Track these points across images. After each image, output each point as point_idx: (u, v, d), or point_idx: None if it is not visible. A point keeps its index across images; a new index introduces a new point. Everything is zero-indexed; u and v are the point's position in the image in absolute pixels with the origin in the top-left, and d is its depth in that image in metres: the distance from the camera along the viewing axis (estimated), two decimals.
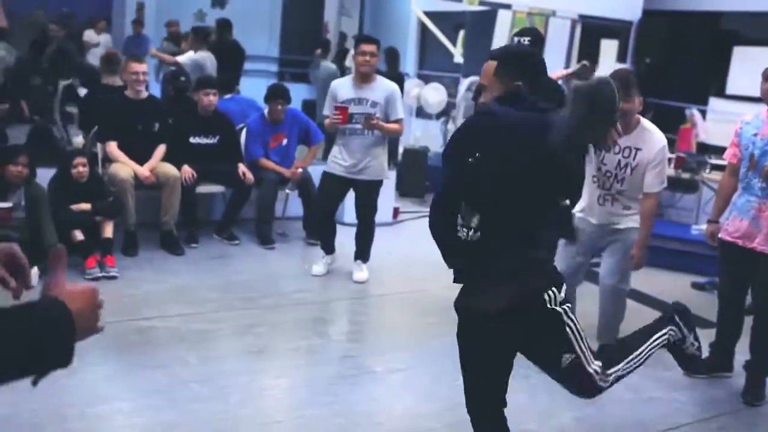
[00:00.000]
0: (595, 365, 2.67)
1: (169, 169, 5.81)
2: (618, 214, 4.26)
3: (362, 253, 5.61)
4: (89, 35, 11.10)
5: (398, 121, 5.41)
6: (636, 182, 4.17)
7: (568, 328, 2.57)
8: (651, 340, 2.98)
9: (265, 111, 6.35)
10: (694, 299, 5.78)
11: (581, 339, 2.61)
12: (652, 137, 4.13)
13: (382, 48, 9.76)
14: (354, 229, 5.66)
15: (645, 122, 4.18)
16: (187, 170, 5.86)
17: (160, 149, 5.87)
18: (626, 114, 4.03)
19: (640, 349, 2.89)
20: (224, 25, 8.82)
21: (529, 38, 4.81)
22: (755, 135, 4.00)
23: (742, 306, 4.29)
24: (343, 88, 5.36)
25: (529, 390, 4.02)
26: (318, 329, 4.72)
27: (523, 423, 3.66)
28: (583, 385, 2.73)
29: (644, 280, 5.67)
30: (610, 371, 2.72)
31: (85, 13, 11.57)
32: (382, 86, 5.38)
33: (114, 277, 5.09)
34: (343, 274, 5.69)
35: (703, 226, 6.34)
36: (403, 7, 9.91)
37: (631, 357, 2.85)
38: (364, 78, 5.30)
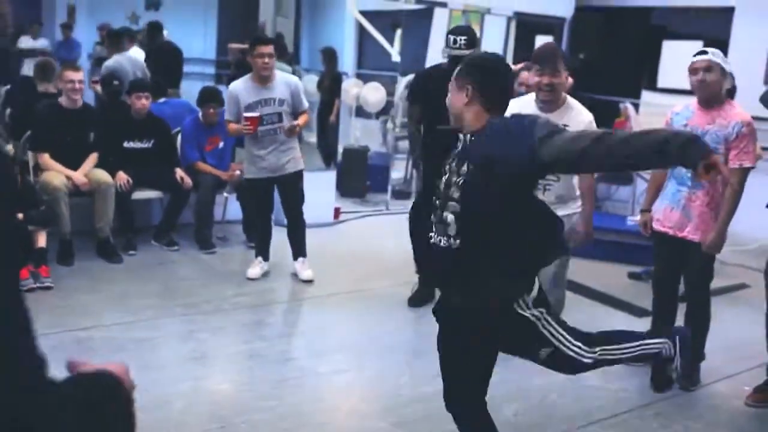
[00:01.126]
0: (575, 346, 2.70)
1: (101, 175, 5.70)
2: (548, 203, 4.27)
3: (300, 249, 5.62)
4: (25, 41, 10.79)
5: (305, 111, 5.48)
6: None
7: (542, 328, 2.62)
8: (647, 341, 3.00)
9: (200, 114, 6.28)
10: (631, 289, 5.93)
11: (557, 332, 2.66)
12: (578, 114, 4.13)
13: (320, 48, 9.79)
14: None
15: (571, 100, 4.18)
16: (122, 177, 5.75)
17: (92, 157, 5.74)
18: (554, 87, 4.06)
19: (635, 343, 2.92)
20: (154, 27, 8.68)
21: (465, 38, 4.85)
22: (685, 126, 4.08)
23: (675, 294, 4.39)
24: (244, 91, 5.28)
25: None
26: (260, 332, 4.69)
27: None
28: (565, 367, 2.85)
29: (582, 271, 5.77)
30: (596, 348, 2.76)
31: (16, 18, 11.29)
32: (284, 81, 5.37)
33: (49, 288, 4.97)
34: (284, 276, 5.66)
35: (638, 217, 6.51)
36: (339, 6, 9.89)
37: (623, 345, 2.89)
38: (265, 79, 5.27)
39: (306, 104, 5.51)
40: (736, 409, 4.04)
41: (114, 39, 7.95)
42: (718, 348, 4.52)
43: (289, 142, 5.37)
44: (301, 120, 5.42)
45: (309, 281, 5.52)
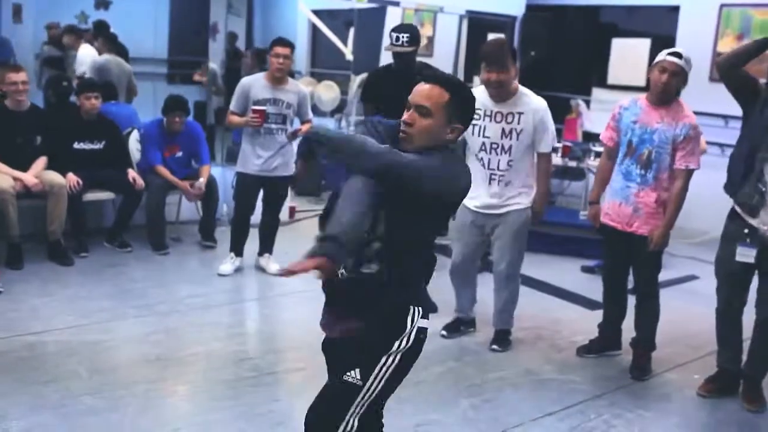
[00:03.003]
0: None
1: (54, 176, 5.60)
2: (500, 195, 4.31)
3: (269, 246, 5.72)
4: None
5: (309, 121, 5.54)
6: (522, 150, 4.23)
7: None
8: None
9: (164, 121, 6.17)
10: (585, 282, 6.02)
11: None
12: (532, 101, 4.23)
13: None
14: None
15: (523, 89, 4.26)
16: (72, 178, 5.65)
17: (41, 160, 5.63)
18: (503, 84, 4.12)
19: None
20: (101, 26, 8.55)
21: (407, 35, 4.88)
22: (634, 123, 4.16)
23: (625, 286, 4.48)
24: (257, 87, 5.34)
25: (428, 380, 4.09)
26: (215, 333, 4.65)
27: (426, 412, 3.73)
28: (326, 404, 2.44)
29: (537, 265, 5.85)
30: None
31: None
32: (294, 89, 5.50)
33: None
34: (239, 277, 5.63)
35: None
36: (292, 5, 9.86)
37: None
38: (278, 80, 5.35)
39: (311, 115, 5.62)
40: (687, 397, 4.13)
41: (108, 37, 7.87)
42: (669, 338, 4.62)
43: (285, 146, 5.42)
44: (304, 128, 5.44)
45: (277, 275, 5.49)
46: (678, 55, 4.03)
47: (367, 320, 2.37)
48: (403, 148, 2.33)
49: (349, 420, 2.39)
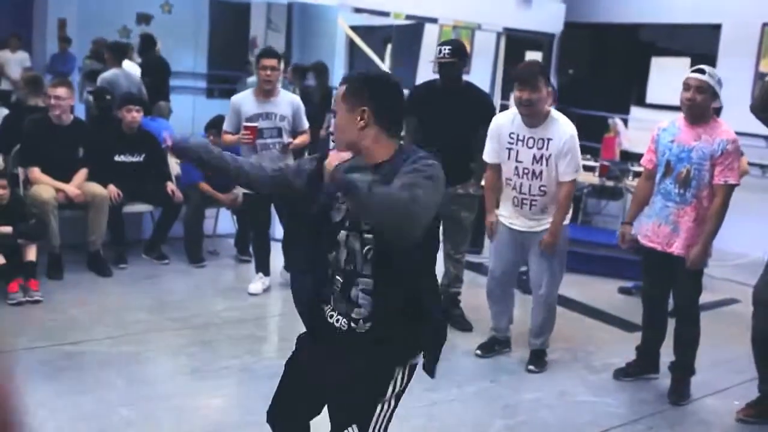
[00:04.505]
0: None
1: (96, 188, 5.69)
2: (534, 218, 4.31)
3: None
4: (3, 56, 10.74)
5: (305, 131, 5.50)
6: (554, 175, 4.22)
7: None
8: None
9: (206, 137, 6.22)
10: (622, 303, 5.95)
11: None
12: (560, 127, 4.21)
13: (311, 62, 9.81)
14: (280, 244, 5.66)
15: (554, 113, 4.26)
16: (113, 190, 5.74)
17: (83, 172, 5.73)
18: (533, 103, 4.11)
19: None
20: (148, 40, 8.67)
21: (449, 47, 4.89)
22: (671, 142, 4.12)
23: (665, 309, 4.41)
24: (246, 103, 5.30)
25: (462, 399, 4.06)
26: (250, 347, 4.67)
27: None
28: None
29: (573, 285, 5.79)
30: None
31: (4, 30, 11.24)
32: (287, 99, 5.42)
33: (38, 301, 4.94)
34: (274, 290, 5.65)
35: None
36: (330, 21, 9.93)
37: None
38: (268, 92, 5.29)
39: (306, 124, 5.52)
40: (727, 423, 4.05)
41: (116, 52, 7.93)
42: (708, 362, 4.54)
43: (286, 158, 5.33)
44: (299, 139, 5.43)
45: None
46: (701, 71, 4.01)
47: (357, 367, 2.29)
48: (339, 149, 2.30)
49: None
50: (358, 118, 2.25)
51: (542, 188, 4.24)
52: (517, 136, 4.23)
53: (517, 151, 4.24)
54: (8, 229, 5.02)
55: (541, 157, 4.19)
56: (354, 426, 2.29)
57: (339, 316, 2.34)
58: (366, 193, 1.99)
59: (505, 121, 4.35)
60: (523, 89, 4.11)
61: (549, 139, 4.18)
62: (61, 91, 5.63)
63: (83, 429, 3.44)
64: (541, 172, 4.21)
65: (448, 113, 4.85)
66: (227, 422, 3.73)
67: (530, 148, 4.21)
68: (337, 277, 2.33)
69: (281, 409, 2.57)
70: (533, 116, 4.17)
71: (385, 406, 2.31)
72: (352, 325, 2.30)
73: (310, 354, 2.47)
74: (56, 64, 10.64)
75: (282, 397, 2.57)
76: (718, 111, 4.65)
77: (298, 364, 2.53)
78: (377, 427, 2.31)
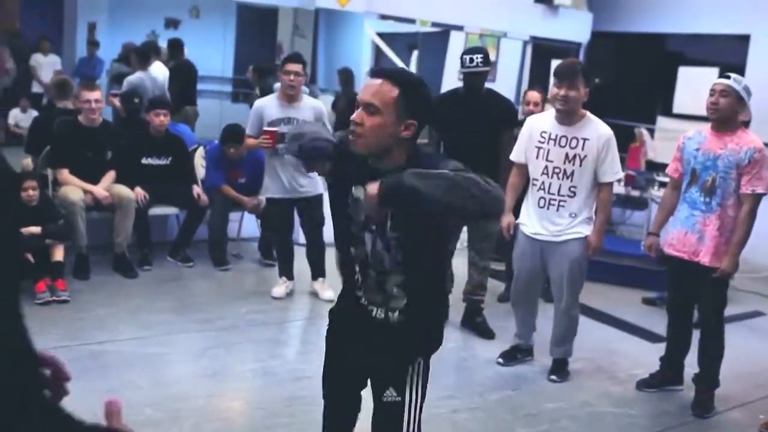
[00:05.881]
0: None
1: (123, 190, 5.75)
2: (560, 222, 4.26)
3: (319, 269, 5.61)
4: (36, 59, 10.89)
5: None
6: (585, 176, 4.18)
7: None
8: None
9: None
10: (646, 314, 5.91)
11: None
12: (598, 127, 4.18)
13: (337, 69, 9.86)
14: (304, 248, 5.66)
15: (591, 115, 4.23)
16: (140, 192, 5.80)
17: (110, 174, 5.80)
18: (568, 101, 4.10)
19: None
20: (175, 45, 8.76)
21: (481, 56, 4.89)
22: (697, 150, 4.10)
23: (689, 320, 4.38)
24: (269, 108, 5.30)
25: (484, 407, 4.05)
26: (273, 351, 4.70)
27: None
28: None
29: (596, 295, 5.76)
30: None
31: (35, 34, 11.41)
32: (310, 105, 5.41)
33: (65, 301, 5.00)
34: (297, 294, 5.68)
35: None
36: (356, 28, 9.98)
37: None
38: (291, 97, 5.28)
39: (330, 131, 5.51)
40: None
41: (142, 56, 8.02)
42: (733, 375, 4.49)
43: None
44: None
45: (330, 301, 5.51)
46: (726, 76, 4.02)
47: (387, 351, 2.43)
48: (354, 148, 2.25)
49: None
50: (403, 128, 2.22)
51: (572, 189, 4.20)
52: (549, 134, 4.21)
53: (548, 150, 4.22)
54: (37, 229, 5.09)
55: (575, 156, 4.16)
56: (390, 389, 2.40)
57: (373, 306, 2.43)
58: (426, 191, 2.04)
59: (539, 120, 4.35)
60: (561, 85, 4.11)
61: (585, 139, 4.15)
62: (96, 94, 5.72)
63: None
64: (572, 172, 4.18)
65: (472, 120, 4.86)
66: (250, 425, 3.75)
67: (562, 147, 4.18)
68: (371, 271, 2.39)
69: (329, 383, 2.71)
70: (568, 114, 4.15)
71: (417, 365, 2.41)
72: (389, 314, 2.40)
73: (344, 333, 2.60)
74: (84, 68, 10.78)
75: (327, 372, 2.69)
76: (746, 124, 4.62)
77: (336, 339, 2.65)
78: (414, 386, 2.41)
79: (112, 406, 1.25)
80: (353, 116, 2.24)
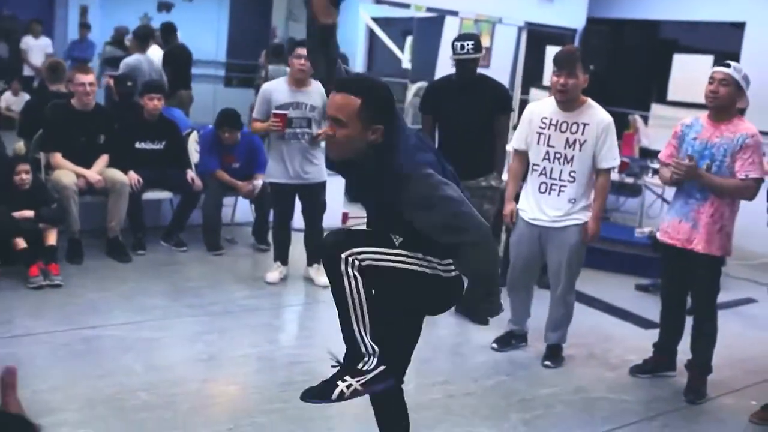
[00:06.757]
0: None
1: (117, 174, 5.72)
2: (560, 207, 4.27)
3: (316, 255, 5.59)
4: (26, 42, 10.80)
5: None
6: (585, 162, 4.20)
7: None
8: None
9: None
10: (639, 300, 5.93)
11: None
12: (598, 113, 4.20)
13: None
14: (301, 234, 5.65)
15: (591, 102, 4.25)
16: (134, 176, 5.78)
17: (104, 158, 5.76)
18: (567, 89, 4.11)
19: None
20: (168, 29, 8.70)
21: (472, 42, 4.87)
22: (694, 139, 4.11)
23: (683, 307, 4.40)
24: (278, 92, 5.27)
25: (478, 393, 4.06)
26: (268, 335, 4.70)
27: (475, 425, 3.71)
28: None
29: (590, 282, 5.77)
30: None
31: (27, 15, 11.31)
32: (319, 90, 5.32)
33: (58, 286, 4.98)
34: (292, 279, 5.67)
35: (646, 229, 6.50)
36: (351, 12, 9.93)
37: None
38: (300, 82, 5.25)
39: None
40: (743, 423, 4.03)
41: (140, 38, 7.97)
42: (725, 361, 4.52)
43: (313, 150, 5.33)
44: (320, 132, 5.39)
45: (326, 287, 5.50)
46: (726, 64, 4.02)
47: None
48: (330, 155, 2.44)
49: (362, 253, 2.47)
50: (371, 133, 2.36)
51: (572, 174, 4.22)
52: (550, 120, 4.23)
53: (549, 136, 4.23)
54: (30, 213, 5.07)
55: (575, 141, 4.18)
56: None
57: None
58: (482, 289, 2.55)
59: (539, 106, 4.36)
60: (561, 73, 4.12)
61: (585, 124, 4.17)
62: (90, 77, 5.68)
63: (102, 412, 3.48)
64: (573, 157, 4.20)
65: (466, 106, 4.85)
66: (244, 409, 3.75)
67: (563, 132, 4.20)
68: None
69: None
70: (568, 101, 4.17)
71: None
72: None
73: None
74: (75, 50, 10.70)
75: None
76: (742, 111, 4.62)
77: None
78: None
79: (9, 377, 1.22)
80: (327, 129, 2.44)
